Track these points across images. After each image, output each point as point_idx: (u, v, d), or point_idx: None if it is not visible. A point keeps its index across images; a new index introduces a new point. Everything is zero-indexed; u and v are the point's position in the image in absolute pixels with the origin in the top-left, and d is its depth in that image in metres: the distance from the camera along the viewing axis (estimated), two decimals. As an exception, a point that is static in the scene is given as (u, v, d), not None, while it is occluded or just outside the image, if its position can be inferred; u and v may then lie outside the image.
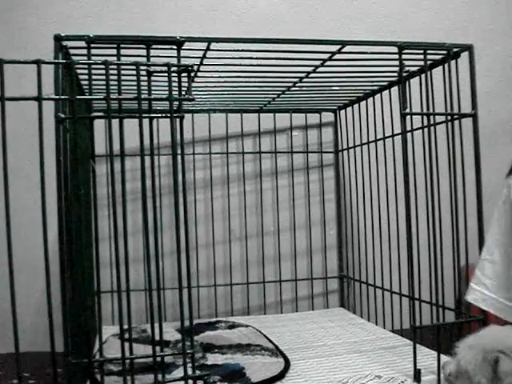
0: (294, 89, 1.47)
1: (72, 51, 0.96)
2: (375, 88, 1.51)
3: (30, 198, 1.54)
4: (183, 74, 0.91)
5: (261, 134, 1.76)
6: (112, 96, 0.87)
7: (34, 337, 1.61)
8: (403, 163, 1.10)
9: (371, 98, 1.57)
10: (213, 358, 1.20)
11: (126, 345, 0.88)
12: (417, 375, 1.04)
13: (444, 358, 1.11)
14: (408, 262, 1.09)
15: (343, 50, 1.14)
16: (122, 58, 0.90)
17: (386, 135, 1.51)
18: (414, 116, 1.14)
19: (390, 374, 0.92)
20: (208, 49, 1.09)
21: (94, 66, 0.88)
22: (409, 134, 1.11)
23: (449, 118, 1.13)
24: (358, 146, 1.67)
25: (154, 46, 0.93)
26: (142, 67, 0.88)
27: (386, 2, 1.83)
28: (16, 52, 1.60)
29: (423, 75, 1.14)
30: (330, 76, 1.34)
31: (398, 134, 1.40)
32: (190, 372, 0.92)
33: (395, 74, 1.32)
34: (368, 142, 1.62)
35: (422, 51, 1.11)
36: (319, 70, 1.29)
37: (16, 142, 1.43)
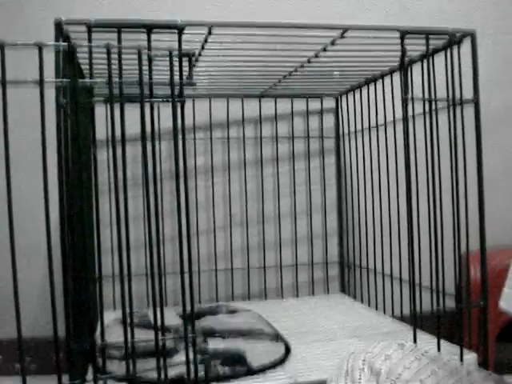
0: (295, 74, 1.46)
1: (72, 36, 0.96)
2: (377, 74, 1.51)
3: (31, 183, 1.55)
4: (184, 59, 0.91)
5: (262, 119, 1.75)
6: (113, 81, 0.86)
7: (35, 322, 1.61)
8: (404, 149, 1.10)
9: (373, 84, 1.56)
10: (214, 343, 1.20)
11: (128, 330, 0.89)
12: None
13: (444, 343, 1.12)
14: (408, 248, 1.10)
15: (345, 36, 1.14)
16: (123, 44, 0.89)
17: (388, 121, 1.51)
18: (415, 102, 1.14)
19: (411, 343, 0.92)
20: (209, 34, 1.08)
21: (95, 51, 0.87)
22: (410, 120, 1.11)
23: (450, 103, 1.13)
24: (359, 131, 1.67)
25: (155, 31, 0.93)
26: (143, 52, 0.87)
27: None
28: (16, 38, 1.60)
29: (425, 61, 1.13)
30: (332, 62, 1.34)
31: (399, 120, 1.40)
32: (191, 357, 0.92)
33: (397, 60, 1.32)
34: (369, 128, 1.62)
35: (424, 37, 1.10)
36: (321, 55, 1.29)
37: (16, 127, 1.43)
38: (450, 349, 1.12)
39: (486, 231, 1.13)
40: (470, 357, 1.10)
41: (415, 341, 1.06)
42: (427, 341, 1.18)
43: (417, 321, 1.07)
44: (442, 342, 1.10)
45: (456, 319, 1.12)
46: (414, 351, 0.89)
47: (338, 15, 1.77)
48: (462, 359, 1.07)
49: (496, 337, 1.54)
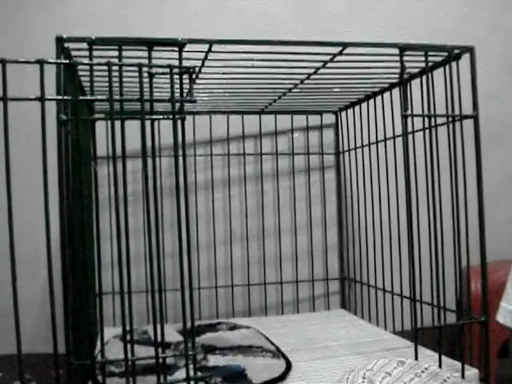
0: (295, 90, 1.47)
1: (73, 53, 0.97)
2: (376, 89, 1.52)
3: (31, 199, 1.55)
4: (185, 76, 0.91)
5: (262, 135, 1.76)
6: (114, 97, 0.87)
7: (34, 338, 1.60)
8: (404, 165, 1.10)
9: (372, 100, 1.57)
10: (214, 360, 1.20)
11: (128, 346, 0.88)
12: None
13: (445, 359, 1.11)
14: (409, 264, 1.09)
15: (344, 52, 1.14)
16: (124, 60, 0.90)
17: (387, 137, 1.51)
18: (415, 117, 1.14)
19: (412, 360, 0.91)
20: (210, 50, 1.09)
21: (95, 68, 0.88)
22: (410, 136, 1.12)
23: (450, 119, 1.14)
24: (359, 147, 1.67)
25: (155, 48, 0.93)
26: (144, 69, 0.88)
27: (387, 3, 1.83)
28: (17, 54, 1.61)
29: (424, 77, 1.14)
30: (331, 78, 1.34)
31: (399, 136, 1.41)
32: (191, 373, 0.92)
33: (396, 76, 1.33)
34: (369, 144, 1.62)
35: (423, 53, 1.11)
36: (320, 71, 1.29)
37: (17, 143, 1.43)
38: (451, 364, 1.12)
39: (486, 245, 1.13)
40: (472, 372, 1.09)
41: (416, 356, 1.06)
42: (428, 356, 1.17)
43: (418, 336, 1.07)
44: (444, 357, 1.09)
45: (457, 334, 1.12)
46: (414, 368, 0.89)
47: (336, 31, 1.78)
48: (463, 375, 1.06)
49: (498, 352, 1.54)
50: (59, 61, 0.90)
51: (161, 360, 0.90)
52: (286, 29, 1.76)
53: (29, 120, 1.49)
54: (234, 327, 1.47)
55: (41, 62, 0.82)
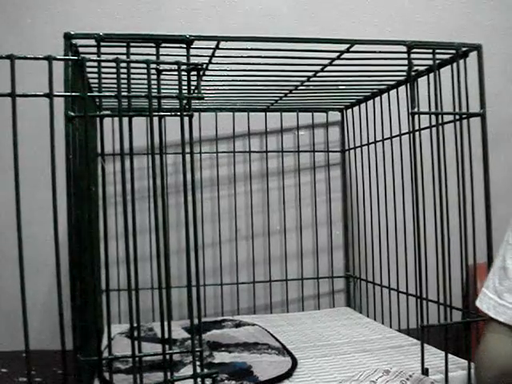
0: (301, 88, 1.47)
1: (81, 49, 0.97)
2: (383, 87, 1.51)
3: (38, 195, 1.55)
4: (192, 73, 0.91)
5: (267, 133, 1.76)
6: (121, 94, 0.87)
7: (39, 335, 1.61)
8: (411, 163, 1.10)
9: (378, 97, 1.57)
10: (220, 357, 1.20)
11: (135, 343, 0.89)
12: (424, 374, 1.04)
13: (451, 357, 1.11)
14: (415, 262, 1.09)
15: (351, 49, 1.14)
16: (131, 57, 0.90)
17: (394, 134, 1.51)
18: (421, 115, 1.14)
19: (397, 369, 0.92)
20: (217, 47, 1.09)
21: (103, 65, 0.88)
22: (416, 134, 1.11)
23: (457, 117, 1.13)
24: (365, 145, 1.67)
25: (163, 45, 0.93)
26: (151, 65, 0.88)
27: (391, 1, 1.83)
28: (24, 50, 1.61)
29: (431, 74, 1.14)
30: (338, 75, 1.34)
31: (405, 134, 1.40)
32: (198, 370, 0.92)
33: (403, 74, 1.33)
34: (375, 142, 1.62)
35: (430, 50, 1.11)
36: (327, 68, 1.29)
37: (24, 140, 1.43)
38: (457, 362, 1.12)
39: (493, 243, 1.13)
40: (478, 371, 1.09)
41: (423, 354, 1.05)
42: (434, 354, 1.17)
43: (424, 334, 1.07)
44: (450, 355, 1.09)
45: (463, 332, 1.11)
46: (400, 376, 0.89)
47: (342, 29, 1.77)
48: (469, 373, 1.06)
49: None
50: (68, 57, 0.90)
51: (167, 356, 0.90)
52: (292, 28, 1.75)
53: (34, 117, 1.49)
54: (239, 324, 1.47)
55: (49, 59, 0.82)
